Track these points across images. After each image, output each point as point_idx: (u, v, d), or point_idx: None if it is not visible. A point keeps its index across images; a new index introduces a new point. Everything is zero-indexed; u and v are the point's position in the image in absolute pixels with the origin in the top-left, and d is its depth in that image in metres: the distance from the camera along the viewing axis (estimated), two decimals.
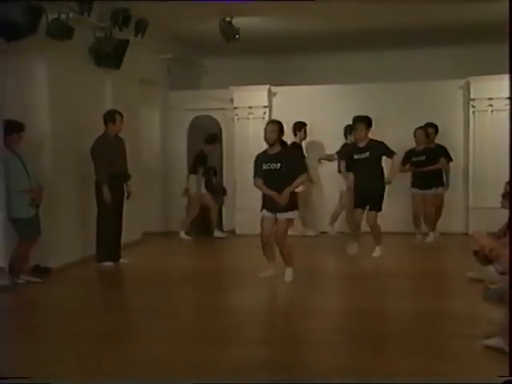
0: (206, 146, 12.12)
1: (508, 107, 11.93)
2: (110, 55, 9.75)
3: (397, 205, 11.55)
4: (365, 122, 9.72)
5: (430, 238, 11.27)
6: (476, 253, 8.19)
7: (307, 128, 11.91)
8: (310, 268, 9.04)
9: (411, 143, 11.35)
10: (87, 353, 5.58)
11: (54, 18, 8.25)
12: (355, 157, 9.73)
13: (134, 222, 10.92)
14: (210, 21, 10.72)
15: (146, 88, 12.00)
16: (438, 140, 11.51)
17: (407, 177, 11.41)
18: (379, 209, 9.72)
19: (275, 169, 7.92)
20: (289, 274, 8.12)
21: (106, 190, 9.08)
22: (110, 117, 9.30)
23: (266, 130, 8.18)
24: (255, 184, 8.23)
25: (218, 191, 12.44)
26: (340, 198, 11.99)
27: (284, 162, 7.91)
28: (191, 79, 14.09)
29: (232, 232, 12.57)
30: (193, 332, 6.33)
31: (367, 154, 9.57)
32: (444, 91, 12.23)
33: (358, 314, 6.84)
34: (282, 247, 8.15)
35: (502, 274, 7.11)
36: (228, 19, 10.78)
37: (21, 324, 6.88)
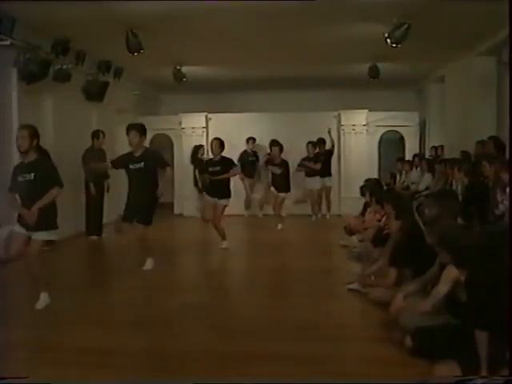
0: None
1: (364, 131, 12.54)
2: (95, 92, 9.72)
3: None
4: (138, 129, 6.59)
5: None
6: (345, 228, 8.56)
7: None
8: None
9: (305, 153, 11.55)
10: (79, 291, 5.78)
11: (58, 68, 8.26)
12: (130, 166, 6.52)
13: (112, 207, 10.87)
14: (166, 68, 10.74)
15: (120, 115, 11.81)
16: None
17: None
18: (148, 222, 6.56)
19: (29, 180, 4.98)
20: (43, 299, 5.12)
21: (91, 185, 9.19)
22: (95, 134, 9.34)
23: (17, 136, 5.11)
24: (6, 199, 5.12)
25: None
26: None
27: (39, 172, 4.99)
28: (153, 108, 14.02)
29: (180, 215, 12.57)
30: (150, 282, 6.34)
31: (142, 164, 6.46)
32: (325, 119, 12.44)
33: (268, 271, 6.91)
34: (32, 269, 5.07)
35: (361, 241, 7.53)
36: (178, 67, 10.80)
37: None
